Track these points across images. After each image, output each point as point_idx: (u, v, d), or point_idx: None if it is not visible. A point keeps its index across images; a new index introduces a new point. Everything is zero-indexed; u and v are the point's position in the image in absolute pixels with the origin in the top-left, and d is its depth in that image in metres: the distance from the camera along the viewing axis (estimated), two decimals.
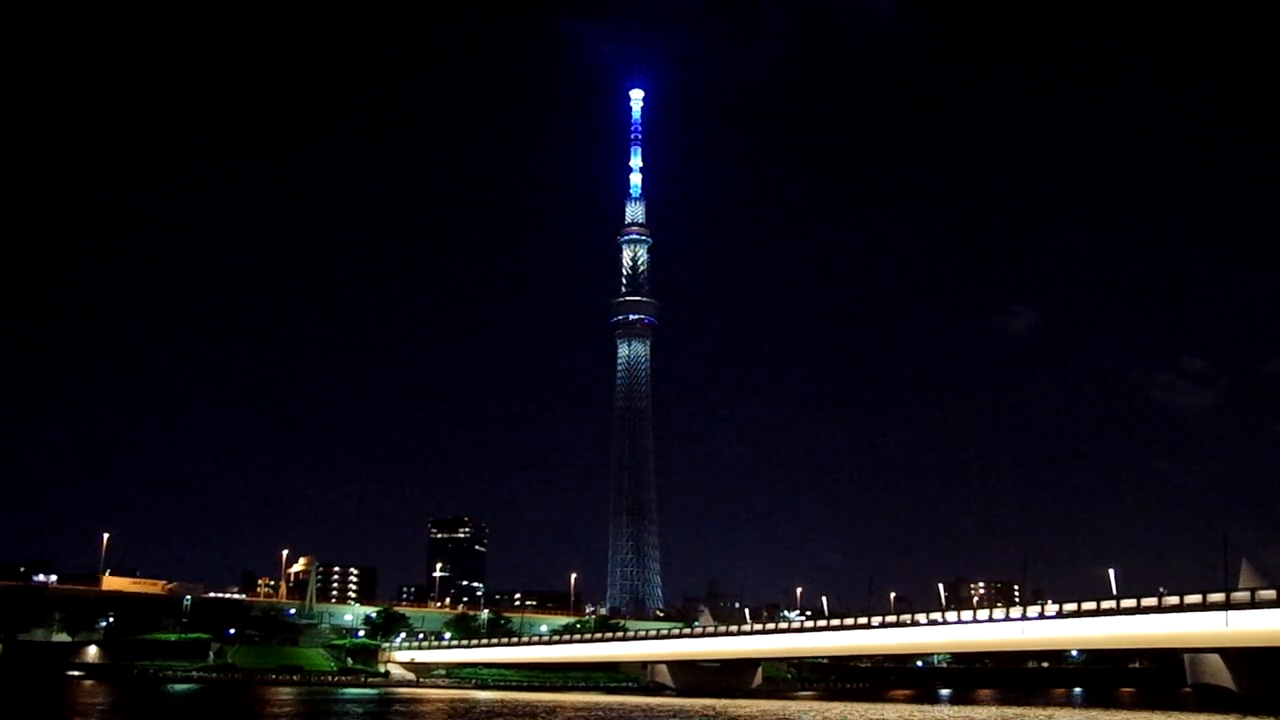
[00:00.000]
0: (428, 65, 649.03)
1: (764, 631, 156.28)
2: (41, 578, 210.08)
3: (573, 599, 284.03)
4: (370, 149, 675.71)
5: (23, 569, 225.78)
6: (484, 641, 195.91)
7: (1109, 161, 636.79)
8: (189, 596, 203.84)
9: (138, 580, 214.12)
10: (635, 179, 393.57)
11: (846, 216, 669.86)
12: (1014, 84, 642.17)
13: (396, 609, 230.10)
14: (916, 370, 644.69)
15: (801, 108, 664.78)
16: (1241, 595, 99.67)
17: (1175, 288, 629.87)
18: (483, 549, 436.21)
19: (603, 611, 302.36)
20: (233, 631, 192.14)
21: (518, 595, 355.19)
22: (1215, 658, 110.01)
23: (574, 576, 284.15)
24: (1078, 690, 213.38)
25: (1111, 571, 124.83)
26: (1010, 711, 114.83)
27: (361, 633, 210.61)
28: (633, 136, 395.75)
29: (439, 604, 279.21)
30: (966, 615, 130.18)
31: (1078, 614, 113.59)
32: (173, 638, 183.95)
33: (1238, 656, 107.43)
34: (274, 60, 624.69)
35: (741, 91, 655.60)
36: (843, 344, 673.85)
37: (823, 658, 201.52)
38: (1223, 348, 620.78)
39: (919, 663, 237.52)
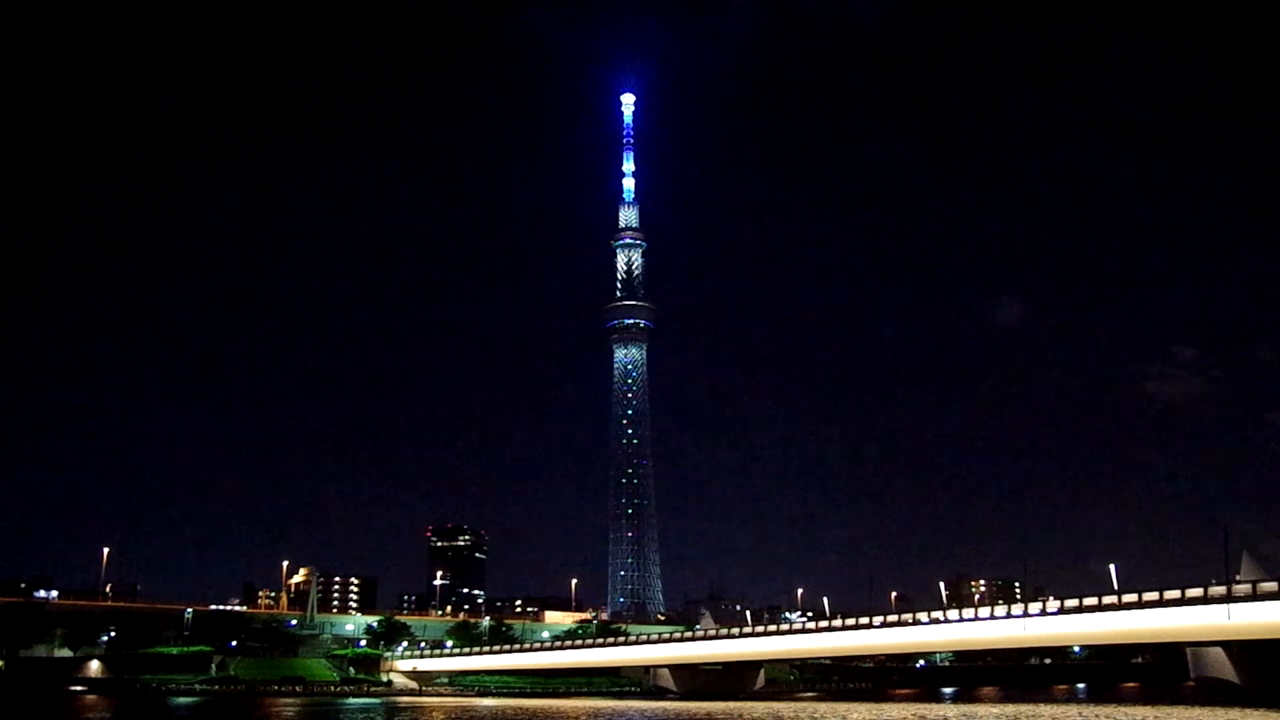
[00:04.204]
0: (414, 68, 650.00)
1: (765, 633, 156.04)
2: (42, 594, 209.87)
3: (574, 604, 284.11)
4: (363, 158, 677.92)
5: (23, 585, 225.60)
6: (486, 649, 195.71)
7: (1094, 148, 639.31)
8: (190, 609, 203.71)
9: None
10: (628, 183, 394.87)
11: (834, 212, 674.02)
12: (997, 70, 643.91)
13: (398, 618, 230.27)
14: (910, 366, 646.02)
15: (777, 98, 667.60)
16: (1243, 588, 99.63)
17: (1162, 275, 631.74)
18: (483, 556, 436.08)
19: (604, 616, 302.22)
20: (235, 644, 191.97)
21: (519, 602, 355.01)
22: (1218, 651, 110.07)
23: (574, 582, 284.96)
24: (1080, 686, 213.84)
25: (1113, 567, 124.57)
26: (1014, 709, 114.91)
27: (363, 642, 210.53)
28: (625, 141, 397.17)
29: (440, 612, 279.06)
30: (968, 613, 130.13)
31: (1079, 610, 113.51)
32: (174, 651, 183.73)
33: (1240, 649, 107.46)
34: (264, 67, 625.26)
35: (714, 82, 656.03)
36: (837, 341, 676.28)
37: (825, 658, 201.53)
38: (1212, 336, 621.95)
39: (921, 662, 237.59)
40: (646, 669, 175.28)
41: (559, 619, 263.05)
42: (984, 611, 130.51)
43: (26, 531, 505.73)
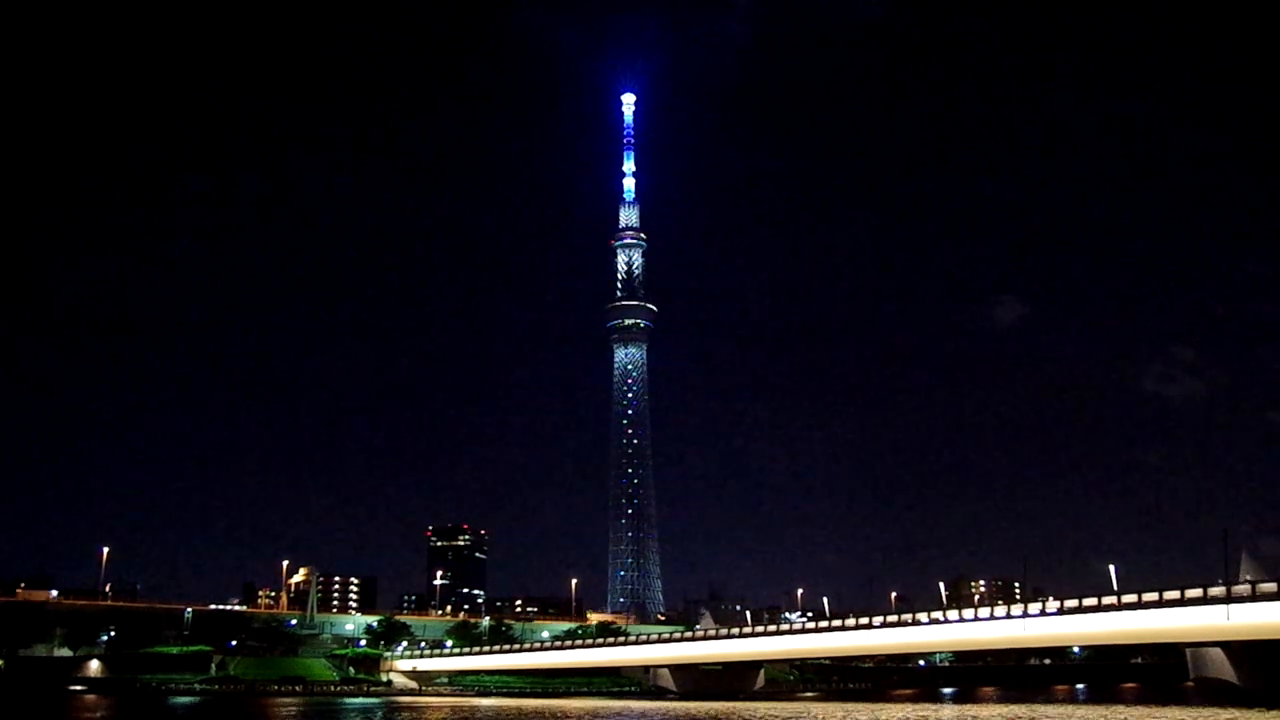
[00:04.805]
0: (413, 68, 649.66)
1: (765, 633, 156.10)
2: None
3: (574, 604, 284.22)
4: (362, 157, 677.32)
5: (23, 585, 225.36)
6: (486, 649, 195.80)
7: (1095, 149, 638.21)
8: (190, 609, 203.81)
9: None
10: (628, 183, 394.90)
11: (834, 211, 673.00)
12: (997, 70, 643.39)
13: (398, 618, 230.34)
14: (909, 366, 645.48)
15: (777, 98, 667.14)
16: (1242, 588, 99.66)
17: (1162, 275, 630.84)
18: (483, 556, 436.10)
19: (604, 616, 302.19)
20: (234, 643, 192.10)
21: (519, 602, 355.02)
22: (1217, 651, 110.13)
23: (575, 582, 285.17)
24: (1080, 686, 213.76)
25: (1112, 567, 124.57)
26: (1014, 709, 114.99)
27: (363, 642, 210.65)
28: (625, 141, 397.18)
29: (440, 612, 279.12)
30: (968, 614, 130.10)
31: (1079, 610, 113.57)
32: (174, 650, 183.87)
33: (1240, 650, 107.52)
34: (263, 66, 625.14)
35: (714, 82, 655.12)
36: (837, 341, 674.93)
37: (825, 659, 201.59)
38: (1211, 336, 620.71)
39: (921, 662, 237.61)
40: (646, 669, 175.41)
41: (599, 619, 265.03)
42: (984, 612, 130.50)
43: (26, 531, 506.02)
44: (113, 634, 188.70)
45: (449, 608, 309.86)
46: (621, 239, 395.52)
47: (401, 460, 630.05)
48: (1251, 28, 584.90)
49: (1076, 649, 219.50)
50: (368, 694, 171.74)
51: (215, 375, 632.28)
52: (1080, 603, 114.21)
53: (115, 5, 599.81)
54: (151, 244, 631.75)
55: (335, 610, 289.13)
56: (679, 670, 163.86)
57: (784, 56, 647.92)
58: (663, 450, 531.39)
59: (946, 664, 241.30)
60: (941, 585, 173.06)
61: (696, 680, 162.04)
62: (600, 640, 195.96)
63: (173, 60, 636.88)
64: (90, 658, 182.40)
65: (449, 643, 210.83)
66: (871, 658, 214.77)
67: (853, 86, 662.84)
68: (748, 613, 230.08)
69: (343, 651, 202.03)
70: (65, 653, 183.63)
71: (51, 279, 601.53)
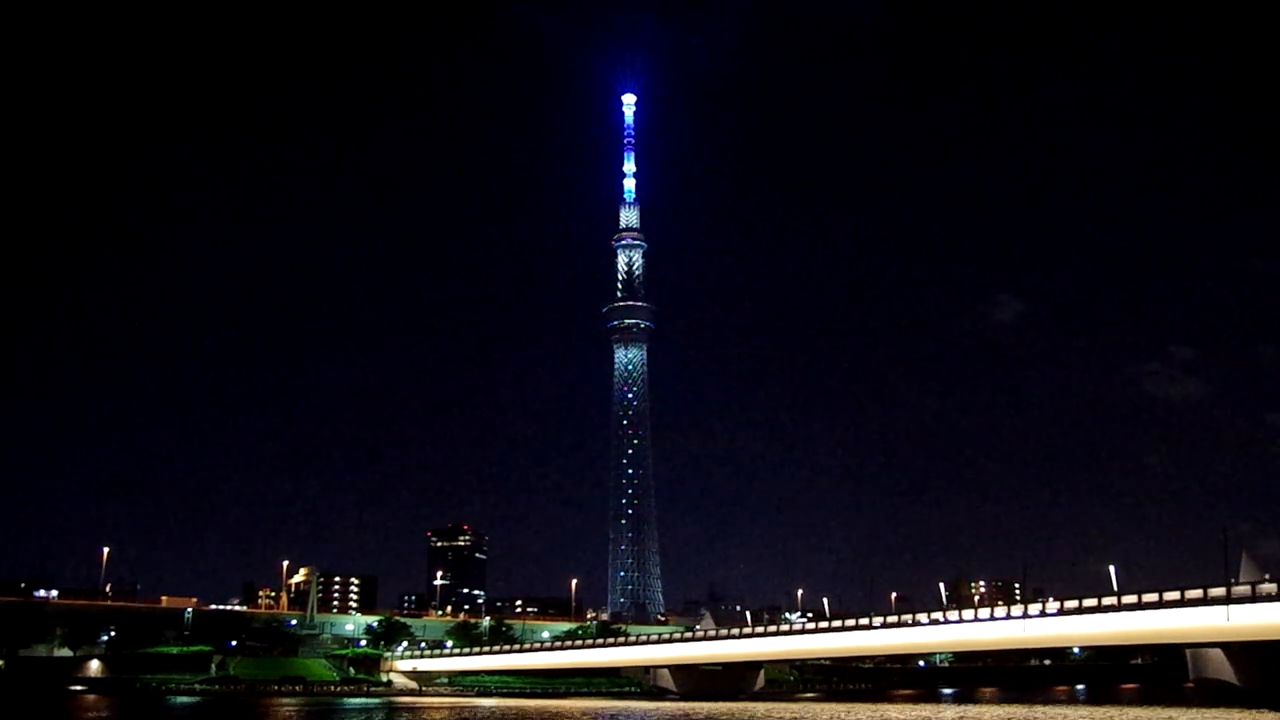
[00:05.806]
0: (412, 68, 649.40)
1: (765, 634, 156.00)
2: (42, 593, 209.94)
3: (574, 605, 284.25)
4: (361, 158, 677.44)
5: (23, 585, 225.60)
6: (486, 649, 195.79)
7: (1093, 147, 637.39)
8: (190, 609, 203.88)
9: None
10: (629, 184, 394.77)
11: (834, 210, 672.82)
12: (995, 67, 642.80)
13: (398, 618, 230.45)
14: (909, 366, 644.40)
15: (776, 97, 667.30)
16: (1242, 589, 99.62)
17: (1162, 275, 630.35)
18: (483, 556, 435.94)
19: (604, 617, 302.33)
20: (234, 643, 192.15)
21: (519, 602, 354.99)
22: (1217, 652, 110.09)
23: (574, 582, 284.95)
24: (1080, 687, 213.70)
25: (1112, 568, 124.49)
26: (1014, 710, 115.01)
27: (363, 642, 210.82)
28: (625, 141, 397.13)
29: (440, 612, 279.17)
30: (968, 614, 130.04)
31: (1079, 610, 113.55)
32: (174, 651, 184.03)
33: (1240, 651, 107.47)
34: (261, 66, 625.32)
35: (713, 81, 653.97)
36: (836, 341, 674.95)
37: (825, 659, 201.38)
38: (1210, 336, 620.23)
39: (921, 662, 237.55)
40: (646, 669, 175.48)
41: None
42: (984, 612, 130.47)
43: (26, 531, 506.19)
44: (113, 634, 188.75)
45: (449, 608, 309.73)
46: (621, 239, 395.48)
47: (402, 460, 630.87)
48: (1252, 28, 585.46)
49: (1076, 649, 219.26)
50: (368, 694, 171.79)
51: (215, 375, 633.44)
52: (1080, 603, 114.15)
53: (115, 5, 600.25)
54: (152, 245, 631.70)
55: (335, 610, 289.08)
56: (679, 671, 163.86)
57: (783, 57, 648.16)
58: (663, 450, 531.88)
59: (946, 664, 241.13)
60: (941, 585, 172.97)
61: (697, 681, 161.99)
62: (600, 640, 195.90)
63: (172, 60, 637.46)
64: (90, 658, 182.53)
65: (449, 643, 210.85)
66: (871, 658, 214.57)
67: (852, 86, 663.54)
68: (748, 613, 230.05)
69: (343, 652, 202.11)
70: (65, 653, 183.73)
71: (51, 279, 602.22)
